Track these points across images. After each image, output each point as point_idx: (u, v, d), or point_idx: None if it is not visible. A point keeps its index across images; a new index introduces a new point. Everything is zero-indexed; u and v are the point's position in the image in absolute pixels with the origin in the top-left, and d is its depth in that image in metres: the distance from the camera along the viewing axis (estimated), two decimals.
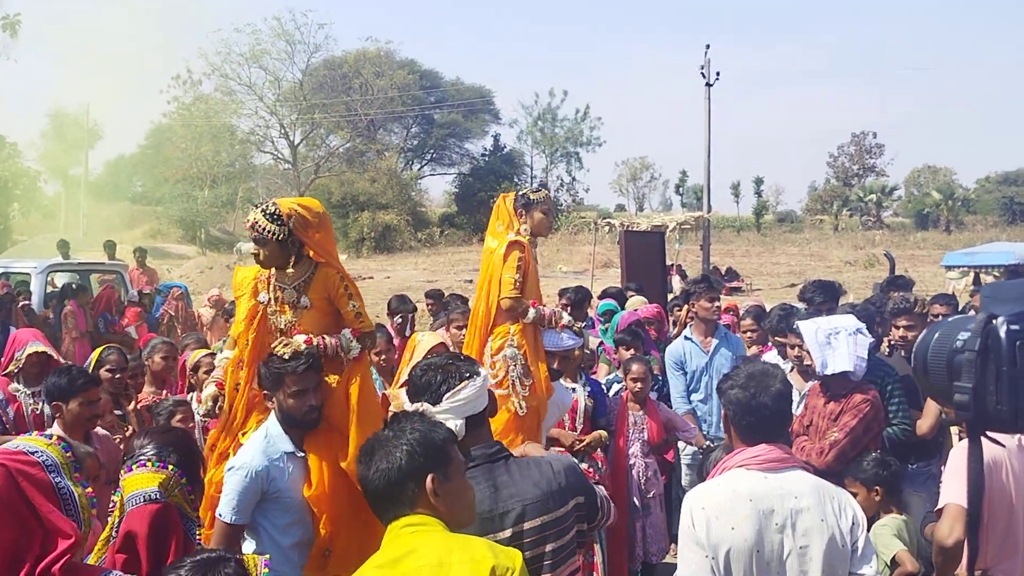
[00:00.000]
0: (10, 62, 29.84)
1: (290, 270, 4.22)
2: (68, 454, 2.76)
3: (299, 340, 4.00)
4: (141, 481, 2.85)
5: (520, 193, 5.31)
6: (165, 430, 3.18)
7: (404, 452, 2.29)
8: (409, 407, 3.01)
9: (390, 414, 3.47)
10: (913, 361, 1.34)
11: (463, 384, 2.88)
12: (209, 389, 4.46)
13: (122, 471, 2.92)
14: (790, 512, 2.79)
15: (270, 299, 4.26)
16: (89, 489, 2.64)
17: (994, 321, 1.18)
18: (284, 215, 4.10)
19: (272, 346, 4.02)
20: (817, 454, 4.66)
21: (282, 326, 4.23)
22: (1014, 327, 1.15)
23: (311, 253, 4.24)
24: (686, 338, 6.87)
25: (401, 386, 5.29)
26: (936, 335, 1.36)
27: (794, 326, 5.30)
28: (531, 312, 5.06)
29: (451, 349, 5.57)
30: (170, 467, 2.92)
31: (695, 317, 6.92)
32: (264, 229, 4.07)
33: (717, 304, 6.81)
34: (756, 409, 2.94)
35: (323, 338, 4.09)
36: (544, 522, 2.77)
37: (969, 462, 1.18)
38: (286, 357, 3.89)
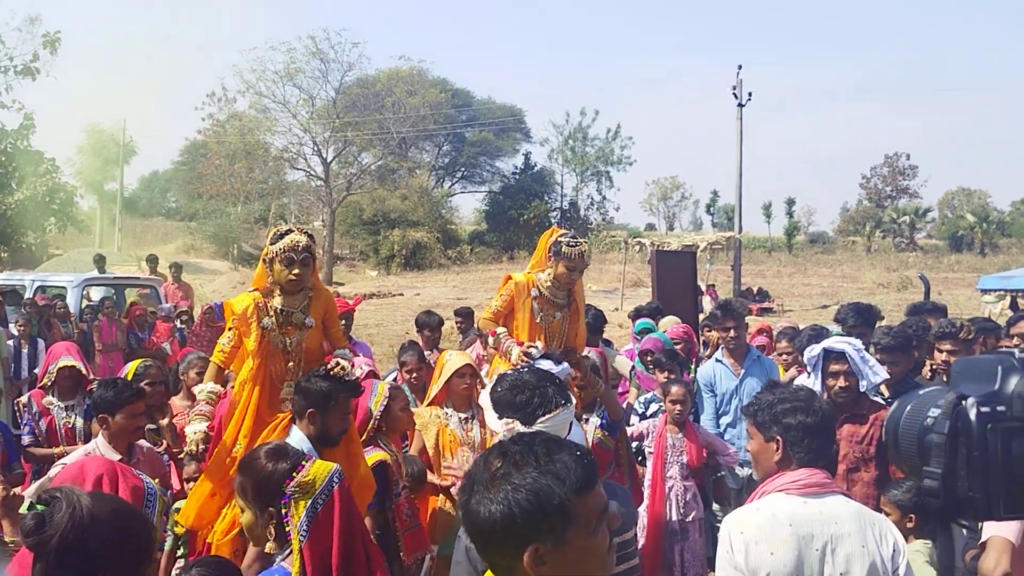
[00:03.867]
0: (49, 79, 30.27)
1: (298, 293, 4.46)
2: (165, 497, 2.78)
3: (345, 363, 4.19)
4: (326, 465, 3.00)
5: (559, 237, 5.40)
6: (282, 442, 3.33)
7: (501, 511, 1.74)
8: (497, 424, 3.02)
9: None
10: (884, 434, 1.27)
11: (558, 411, 2.92)
12: (198, 427, 4.30)
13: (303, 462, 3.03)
14: (830, 538, 2.75)
15: (272, 324, 4.42)
16: (166, 534, 2.63)
17: (964, 403, 1.10)
18: (314, 236, 4.43)
19: (329, 366, 4.14)
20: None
21: (290, 347, 4.43)
22: (984, 409, 1.07)
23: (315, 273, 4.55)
24: (717, 360, 6.79)
25: (429, 404, 5.32)
26: (908, 408, 1.27)
27: (832, 348, 5.15)
28: (491, 339, 5.36)
29: (479, 368, 5.59)
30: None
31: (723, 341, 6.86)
32: (312, 251, 4.37)
33: (734, 333, 6.65)
34: (822, 432, 2.95)
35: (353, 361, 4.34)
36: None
37: (939, 551, 1.13)
38: (348, 378, 4.11)
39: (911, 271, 38.47)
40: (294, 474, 2.96)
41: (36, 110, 32.25)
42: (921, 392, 1.29)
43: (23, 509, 1.89)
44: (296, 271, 4.32)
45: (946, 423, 1.09)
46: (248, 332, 4.41)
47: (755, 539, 2.77)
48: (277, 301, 4.43)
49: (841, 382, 4.75)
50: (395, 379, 6.42)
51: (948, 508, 1.09)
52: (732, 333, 6.65)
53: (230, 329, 4.48)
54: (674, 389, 5.98)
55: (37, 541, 1.81)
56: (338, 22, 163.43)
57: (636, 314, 9.20)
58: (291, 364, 4.43)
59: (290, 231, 4.41)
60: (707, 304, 19.97)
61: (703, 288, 21.84)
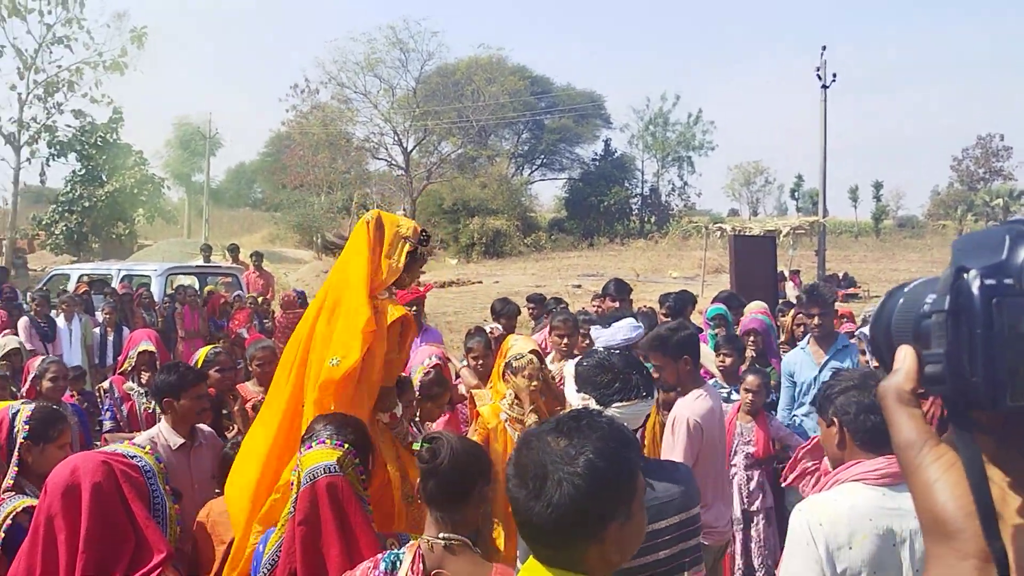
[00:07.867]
0: (137, 73, 31.16)
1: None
2: (161, 464, 2.77)
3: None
4: (320, 456, 2.93)
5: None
6: (342, 416, 3.26)
7: (585, 486, 1.65)
8: (575, 398, 2.98)
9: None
10: (872, 331, 1.03)
11: (636, 401, 2.84)
12: None
13: (300, 449, 3.00)
14: (910, 533, 2.63)
15: None
16: (177, 506, 2.65)
17: (965, 275, 0.88)
18: None
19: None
20: None
21: None
22: (989, 281, 0.86)
23: None
24: (802, 348, 6.51)
25: (490, 387, 5.24)
26: (901, 300, 1.03)
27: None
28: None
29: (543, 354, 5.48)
30: (346, 445, 2.98)
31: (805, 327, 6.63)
32: None
33: (818, 320, 6.30)
34: (880, 411, 2.78)
35: None
36: (682, 520, 2.72)
37: (962, 454, 0.88)
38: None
39: None
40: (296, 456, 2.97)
41: (124, 104, 33.22)
42: (916, 282, 1.06)
43: (416, 446, 2.67)
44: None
45: (946, 299, 0.90)
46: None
47: (834, 532, 2.64)
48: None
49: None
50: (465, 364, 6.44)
51: (957, 395, 0.90)
52: (816, 320, 6.33)
53: None
54: (750, 378, 5.88)
55: (432, 467, 2.55)
56: (418, 11, 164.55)
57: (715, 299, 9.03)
58: None
59: None
60: (790, 290, 19.55)
61: (786, 274, 21.36)
